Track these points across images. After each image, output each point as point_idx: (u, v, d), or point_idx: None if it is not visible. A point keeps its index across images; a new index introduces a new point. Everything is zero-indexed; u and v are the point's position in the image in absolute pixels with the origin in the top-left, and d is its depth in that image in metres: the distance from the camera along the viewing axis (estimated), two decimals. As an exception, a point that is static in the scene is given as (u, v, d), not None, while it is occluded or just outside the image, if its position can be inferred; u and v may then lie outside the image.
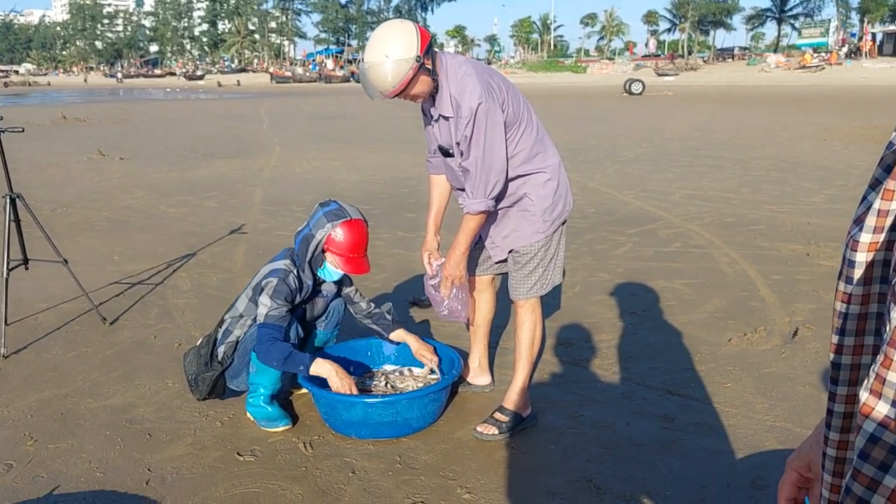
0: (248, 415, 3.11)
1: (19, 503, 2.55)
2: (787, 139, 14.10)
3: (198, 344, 3.25)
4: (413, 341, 3.31)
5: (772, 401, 3.23)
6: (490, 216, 2.92)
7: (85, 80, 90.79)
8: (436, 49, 2.76)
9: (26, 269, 4.23)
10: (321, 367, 2.93)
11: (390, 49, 2.61)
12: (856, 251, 0.80)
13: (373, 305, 3.40)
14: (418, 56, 2.62)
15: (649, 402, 3.27)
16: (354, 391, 2.95)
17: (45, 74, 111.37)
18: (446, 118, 2.78)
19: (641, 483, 2.63)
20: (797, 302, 4.58)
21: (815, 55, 57.39)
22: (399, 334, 3.34)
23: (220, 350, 3.15)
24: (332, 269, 3.10)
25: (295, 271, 3.05)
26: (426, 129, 3.01)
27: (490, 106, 2.65)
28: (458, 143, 2.77)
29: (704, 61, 71.36)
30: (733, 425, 3.02)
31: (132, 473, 2.74)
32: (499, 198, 2.84)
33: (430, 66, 2.68)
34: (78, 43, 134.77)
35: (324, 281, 3.22)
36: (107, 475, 2.73)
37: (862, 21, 66.60)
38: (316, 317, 3.31)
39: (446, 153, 2.88)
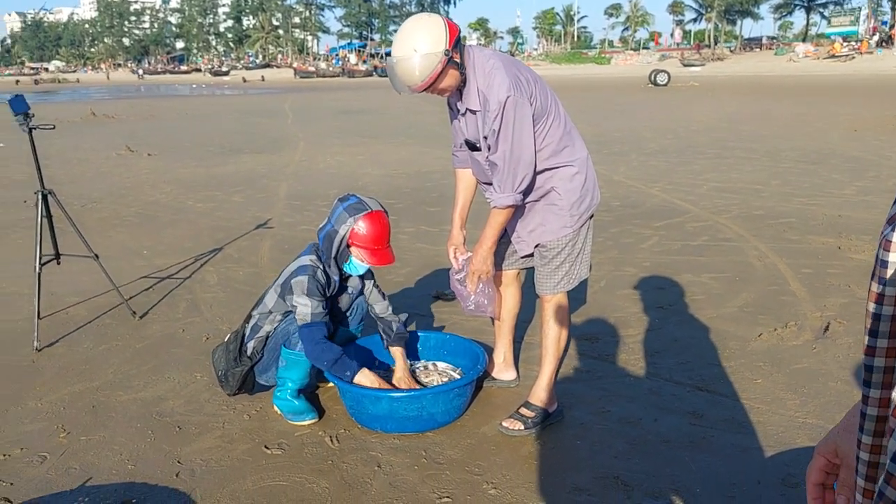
0: (276, 408, 3.13)
1: (52, 494, 2.59)
2: (817, 130, 13.88)
3: (226, 340, 3.27)
4: (400, 366, 3.23)
5: (803, 397, 3.19)
6: (517, 210, 2.90)
7: (108, 77, 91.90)
8: (463, 42, 2.74)
9: (58, 263, 4.30)
10: (364, 378, 2.95)
11: (418, 43, 2.59)
12: (888, 251, 0.78)
13: (389, 310, 3.35)
14: (447, 50, 2.61)
15: (677, 398, 3.23)
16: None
17: (74, 72, 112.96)
18: (473, 112, 2.76)
19: (670, 480, 2.60)
20: (829, 296, 4.51)
21: (845, 44, 56.42)
22: (394, 352, 3.26)
23: (250, 345, 3.17)
24: (357, 263, 3.10)
25: (322, 267, 3.06)
26: (453, 123, 2.99)
27: (518, 99, 2.63)
28: (485, 137, 2.75)
29: (731, 51, 70.48)
30: (763, 422, 2.98)
31: (162, 466, 2.77)
32: (526, 192, 2.82)
33: (458, 60, 2.66)
34: (106, 40, 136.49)
35: (349, 276, 3.23)
36: (137, 467, 2.76)
37: (893, 8, 65.29)
38: (343, 313, 3.31)
39: (473, 147, 2.87)
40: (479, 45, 2.96)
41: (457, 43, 2.65)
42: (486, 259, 2.93)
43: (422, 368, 3.43)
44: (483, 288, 3.02)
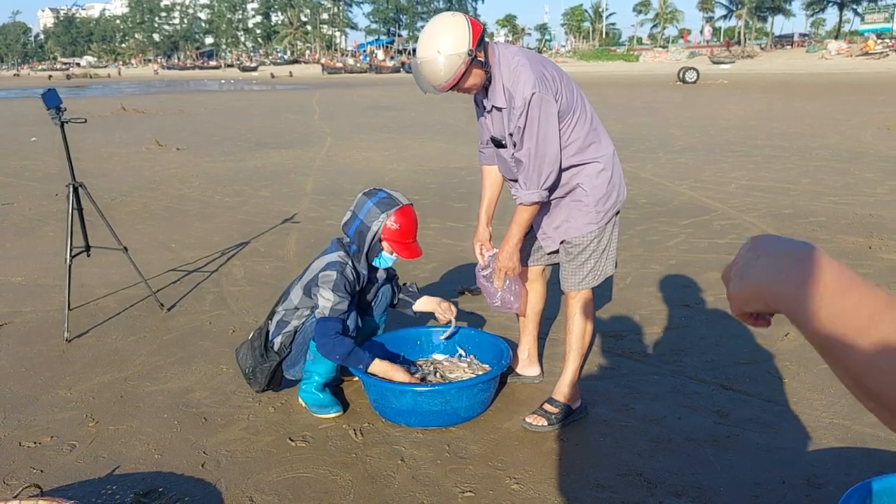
0: (300, 401, 3.16)
1: (81, 482, 2.64)
2: (849, 128, 13.65)
3: (250, 338, 3.29)
4: (434, 304, 3.41)
5: (830, 397, 3.15)
6: (542, 206, 2.90)
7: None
8: (488, 39, 2.74)
9: (88, 255, 4.37)
10: (378, 368, 2.97)
11: (442, 44, 2.60)
12: None
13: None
14: (470, 50, 2.61)
15: (702, 396, 3.21)
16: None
17: (105, 67, 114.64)
18: (499, 109, 2.76)
19: (693, 478, 2.59)
20: (858, 296, 4.43)
21: (879, 41, 55.45)
22: (423, 301, 3.43)
23: (277, 341, 3.19)
24: (387, 257, 3.14)
25: (350, 262, 3.08)
26: (479, 120, 3.00)
27: (543, 96, 2.62)
28: (510, 134, 2.75)
29: (762, 48, 69.54)
30: (789, 422, 2.95)
31: (188, 456, 2.81)
32: (552, 188, 2.81)
33: (482, 59, 2.67)
34: (136, 36, 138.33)
35: (377, 269, 3.26)
36: (164, 457, 2.80)
37: (930, 5, 63.96)
38: (367, 303, 3.34)
39: (499, 144, 2.87)
40: (506, 42, 2.95)
41: (480, 42, 2.65)
42: (512, 256, 2.93)
43: (446, 363, 3.43)
44: (509, 284, 3.02)
